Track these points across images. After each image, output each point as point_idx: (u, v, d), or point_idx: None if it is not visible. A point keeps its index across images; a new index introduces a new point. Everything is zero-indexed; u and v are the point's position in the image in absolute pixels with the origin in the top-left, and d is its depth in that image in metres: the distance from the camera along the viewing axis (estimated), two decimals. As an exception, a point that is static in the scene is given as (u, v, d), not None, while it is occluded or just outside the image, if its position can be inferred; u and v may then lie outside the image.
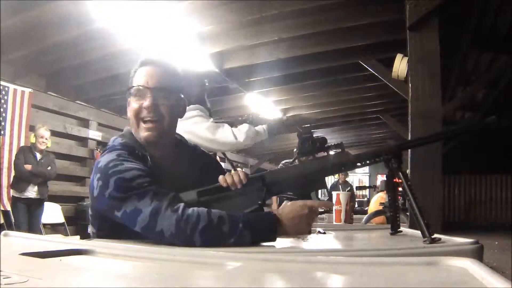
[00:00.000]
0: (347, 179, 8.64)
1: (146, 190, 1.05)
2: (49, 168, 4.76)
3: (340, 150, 1.18)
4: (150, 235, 1.05)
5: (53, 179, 5.04)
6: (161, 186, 1.08)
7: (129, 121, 1.22)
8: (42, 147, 4.70)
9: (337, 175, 6.66)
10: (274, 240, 1.06)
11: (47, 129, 4.80)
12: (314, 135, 1.18)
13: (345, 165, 1.17)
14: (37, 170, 4.61)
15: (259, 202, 1.13)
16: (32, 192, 4.63)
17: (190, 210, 1.03)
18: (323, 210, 1.26)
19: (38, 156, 4.72)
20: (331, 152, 1.20)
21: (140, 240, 1.10)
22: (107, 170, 1.10)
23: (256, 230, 1.04)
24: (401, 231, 1.27)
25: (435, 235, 1.00)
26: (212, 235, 1.02)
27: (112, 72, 5.21)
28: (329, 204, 1.18)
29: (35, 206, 4.67)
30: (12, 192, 4.63)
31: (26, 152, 4.67)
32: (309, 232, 1.10)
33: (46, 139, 4.72)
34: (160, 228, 1.01)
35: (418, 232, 1.31)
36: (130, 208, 1.05)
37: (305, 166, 1.18)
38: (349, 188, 7.42)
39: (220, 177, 1.16)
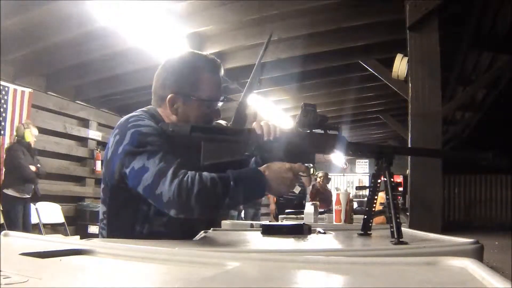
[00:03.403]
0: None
1: (157, 150, 1.08)
2: (38, 165, 4.70)
3: (337, 132, 1.19)
4: (150, 197, 1.07)
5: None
6: (171, 151, 1.11)
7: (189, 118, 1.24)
8: (33, 145, 4.64)
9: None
10: (262, 196, 1.11)
11: (34, 125, 4.75)
12: (317, 110, 1.18)
13: (338, 148, 1.18)
14: (41, 171, 4.63)
15: (246, 153, 1.15)
16: (30, 192, 4.60)
17: (185, 176, 1.04)
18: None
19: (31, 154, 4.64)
20: (328, 132, 1.21)
21: (140, 240, 1.11)
22: (126, 124, 1.15)
23: (247, 187, 1.07)
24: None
25: (403, 240, 1.04)
26: (208, 198, 1.04)
27: (112, 72, 5.21)
28: (309, 172, 1.20)
29: (27, 205, 4.62)
30: (11, 192, 4.44)
31: (24, 151, 4.55)
32: (287, 194, 1.17)
33: (36, 136, 4.68)
34: (160, 191, 1.03)
35: (418, 232, 1.32)
36: (138, 165, 1.08)
37: (301, 136, 1.18)
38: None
39: (256, 123, 1.19)
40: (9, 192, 4.43)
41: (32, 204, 4.82)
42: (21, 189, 4.47)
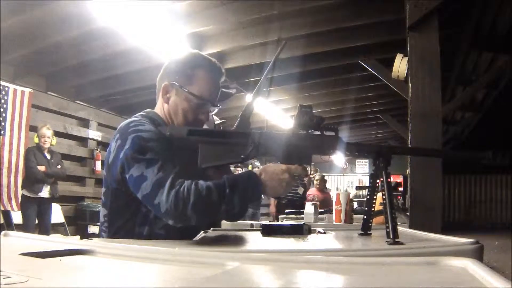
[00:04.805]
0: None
1: (156, 158, 1.10)
2: (59, 166, 4.88)
3: (333, 133, 1.18)
4: (148, 204, 1.09)
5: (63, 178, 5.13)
6: (170, 158, 1.12)
7: (176, 113, 1.26)
8: (46, 146, 4.78)
9: None
10: (259, 199, 1.10)
11: (49, 127, 4.86)
12: (313, 111, 1.18)
13: (335, 148, 1.18)
14: (52, 171, 4.75)
15: (242, 156, 1.15)
16: (45, 192, 4.73)
17: (181, 187, 1.05)
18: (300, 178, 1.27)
19: (47, 156, 4.81)
20: (325, 133, 1.20)
21: (140, 240, 1.10)
22: (127, 129, 1.16)
23: (242, 192, 1.08)
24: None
25: (399, 240, 1.03)
26: (204, 207, 1.05)
27: (112, 72, 5.21)
28: (305, 172, 1.19)
29: (45, 205, 4.75)
30: (25, 192, 4.67)
31: (36, 153, 4.74)
32: (284, 195, 1.16)
33: (49, 137, 4.80)
34: (158, 201, 1.05)
35: (418, 232, 1.32)
36: (137, 173, 1.09)
37: (297, 137, 1.18)
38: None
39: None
40: (23, 192, 4.71)
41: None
42: (32, 189, 4.66)
